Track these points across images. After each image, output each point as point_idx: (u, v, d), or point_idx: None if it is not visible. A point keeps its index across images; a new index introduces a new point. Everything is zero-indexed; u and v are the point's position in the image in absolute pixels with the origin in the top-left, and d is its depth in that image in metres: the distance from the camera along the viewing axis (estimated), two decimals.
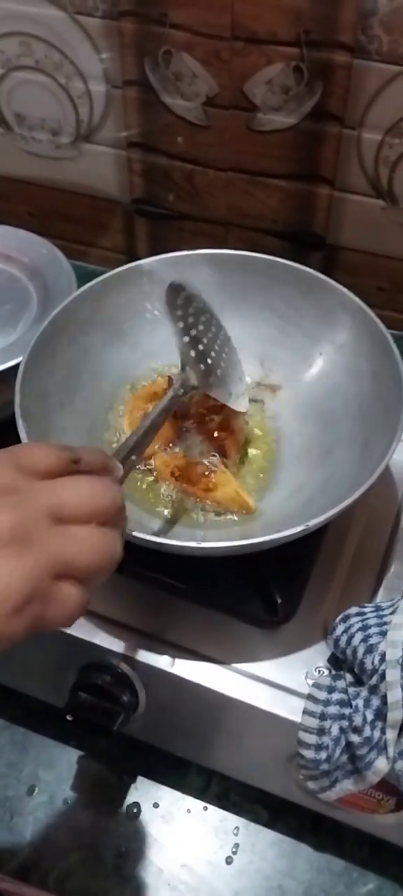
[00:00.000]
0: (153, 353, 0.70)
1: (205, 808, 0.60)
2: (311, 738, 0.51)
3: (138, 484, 0.62)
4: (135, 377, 0.69)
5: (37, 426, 0.58)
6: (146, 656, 0.55)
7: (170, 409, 0.56)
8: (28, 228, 0.98)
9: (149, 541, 0.51)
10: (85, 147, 0.92)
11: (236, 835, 0.59)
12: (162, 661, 0.55)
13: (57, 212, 0.99)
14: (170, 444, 0.63)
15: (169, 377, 0.66)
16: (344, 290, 0.65)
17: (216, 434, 0.63)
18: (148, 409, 0.63)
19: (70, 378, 0.65)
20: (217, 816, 0.60)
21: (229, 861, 0.58)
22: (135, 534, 0.51)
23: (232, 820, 0.60)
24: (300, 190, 0.84)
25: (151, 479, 0.62)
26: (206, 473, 0.61)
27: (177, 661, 0.55)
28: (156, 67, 0.82)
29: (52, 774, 0.63)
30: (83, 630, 0.57)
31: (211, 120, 0.83)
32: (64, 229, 1.00)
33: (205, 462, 0.62)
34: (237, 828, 0.59)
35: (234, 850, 0.59)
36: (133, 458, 0.50)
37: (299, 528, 0.51)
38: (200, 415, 0.64)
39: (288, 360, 0.68)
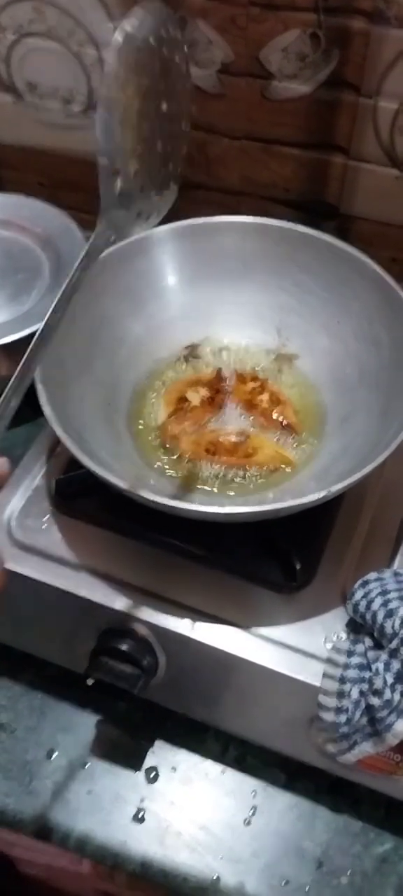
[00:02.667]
0: (171, 322, 0.70)
1: (223, 772, 0.61)
2: (331, 702, 0.52)
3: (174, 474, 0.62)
4: (152, 348, 0.69)
5: (55, 393, 0.58)
6: (166, 620, 0.56)
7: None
8: (39, 198, 0.98)
9: (167, 505, 0.52)
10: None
11: (254, 797, 0.60)
12: (182, 626, 0.56)
13: (68, 181, 0.99)
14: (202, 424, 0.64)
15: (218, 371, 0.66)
16: (363, 256, 0.65)
17: (275, 415, 0.64)
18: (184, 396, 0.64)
19: (88, 346, 0.65)
20: (235, 779, 0.61)
21: (247, 823, 0.59)
22: (153, 498, 0.51)
23: (250, 783, 0.60)
24: (314, 159, 0.84)
25: (186, 463, 0.62)
26: (242, 441, 0.62)
27: (197, 624, 0.56)
28: None
29: (70, 738, 0.64)
30: (103, 595, 0.57)
31: (226, 88, 0.83)
32: (75, 199, 0.99)
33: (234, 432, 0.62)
34: (255, 791, 0.60)
35: (252, 812, 0.59)
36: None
37: (321, 494, 0.51)
38: (246, 401, 0.65)
39: (305, 329, 0.68)
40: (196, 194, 0.92)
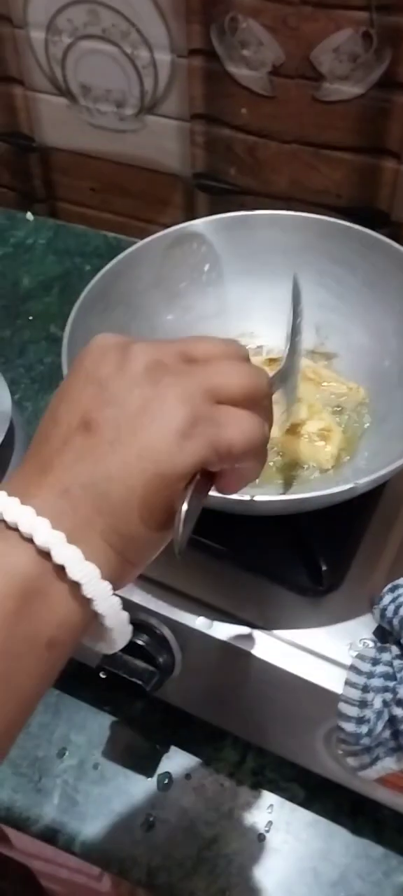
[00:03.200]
0: (206, 316, 0.68)
1: (239, 783, 0.58)
2: (352, 711, 0.48)
3: None
4: None
5: None
6: (183, 617, 0.54)
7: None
8: (89, 205, 0.98)
9: None
10: (148, 119, 0.91)
11: (270, 812, 0.56)
12: (199, 623, 0.53)
13: (118, 187, 0.99)
14: None
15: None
16: None
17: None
18: None
19: (122, 335, 0.64)
20: (251, 793, 0.57)
21: (262, 838, 0.55)
22: None
23: (267, 797, 0.57)
24: (365, 163, 0.82)
25: None
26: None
27: (216, 623, 0.53)
28: (222, 35, 0.81)
29: (83, 738, 0.61)
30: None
31: (276, 90, 0.81)
32: (124, 205, 1.00)
33: None
34: (271, 805, 0.57)
35: (267, 828, 0.56)
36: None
37: (347, 486, 0.48)
38: None
39: (344, 327, 0.65)
40: (244, 199, 0.91)
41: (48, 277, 1.00)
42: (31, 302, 0.97)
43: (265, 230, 0.67)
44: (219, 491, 0.39)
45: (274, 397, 0.42)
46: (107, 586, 0.34)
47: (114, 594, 0.35)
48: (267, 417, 0.39)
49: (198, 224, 0.67)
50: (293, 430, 0.59)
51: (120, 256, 0.64)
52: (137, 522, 0.34)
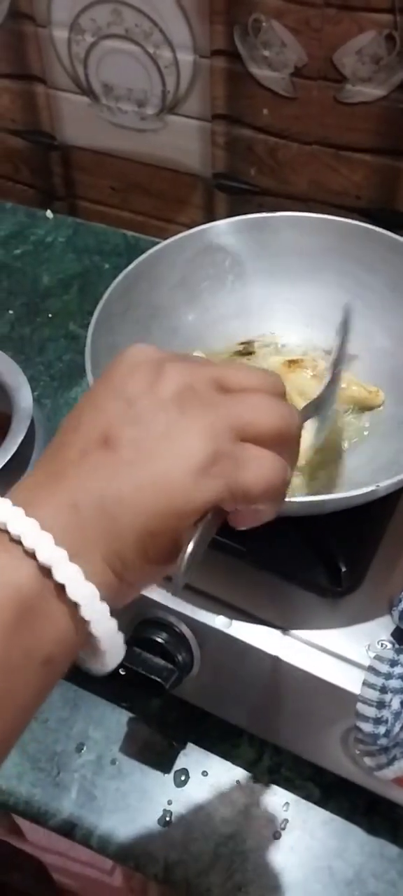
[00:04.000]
0: (227, 316, 0.68)
1: (256, 781, 0.58)
2: (370, 711, 0.49)
3: None
4: (206, 341, 0.67)
5: None
6: (203, 615, 0.54)
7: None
8: (109, 203, 0.98)
9: None
10: (169, 119, 0.91)
11: (286, 811, 0.57)
12: (218, 622, 0.53)
13: (138, 186, 0.99)
14: None
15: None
16: None
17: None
18: None
19: (141, 334, 0.64)
20: (267, 790, 0.58)
21: (277, 836, 0.56)
22: None
23: (283, 795, 0.57)
24: (386, 165, 0.82)
25: None
26: None
27: (235, 622, 0.53)
28: (245, 36, 0.81)
29: (101, 734, 0.62)
30: None
31: (298, 91, 0.82)
32: (144, 204, 1.00)
33: None
34: (287, 803, 0.57)
35: (283, 825, 0.56)
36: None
37: (369, 489, 0.48)
38: None
39: (364, 330, 0.65)
40: (264, 200, 0.91)
41: (67, 276, 1.00)
42: (51, 300, 0.98)
43: (286, 231, 0.68)
44: (230, 523, 0.38)
45: (307, 424, 0.41)
46: (104, 608, 0.33)
47: (111, 617, 0.34)
48: (292, 460, 0.38)
49: (220, 225, 0.68)
50: None
51: (142, 257, 0.64)
52: (141, 551, 0.34)
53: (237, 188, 0.92)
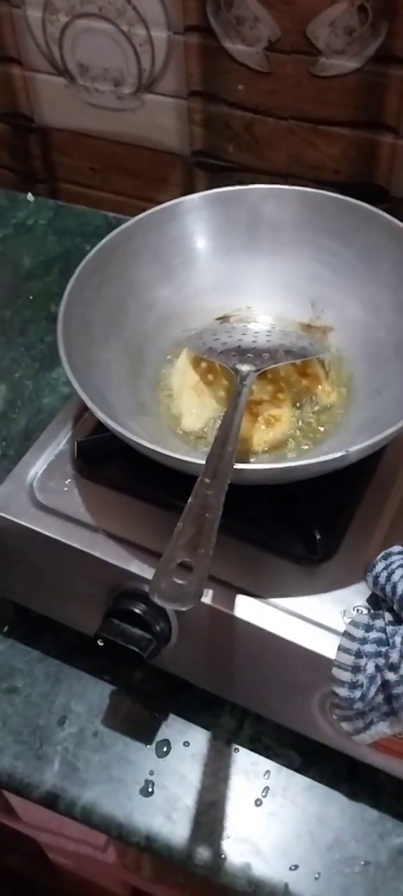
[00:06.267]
0: (202, 291, 0.68)
1: (237, 750, 0.59)
2: (346, 676, 0.49)
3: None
4: (182, 316, 0.68)
5: (80, 357, 0.57)
6: None
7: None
8: (89, 184, 0.98)
9: (181, 460, 0.50)
10: (146, 98, 0.91)
11: (267, 778, 0.57)
12: None
13: (118, 166, 0.99)
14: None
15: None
16: (401, 224, 0.62)
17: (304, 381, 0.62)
18: (201, 385, 0.62)
19: (115, 311, 0.64)
20: (248, 759, 0.58)
21: (258, 803, 0.56)
22: (167, 453, 0.50)
23: (264, 763, 0.58)
24: (363, 139, 0.82)
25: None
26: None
27: (211, 591, 0.54)
28: (217, 11, 0.81)
29: (83, 707, 0.62)
30: (118, 557, 0.56)
31: (273, 66, 0.82)
32: (124, 184, 1.00)
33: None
34: (268, 771, 0.57)
35: (264, 793, 0.57)
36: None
37: (339, 454, 0.49)
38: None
39: (339, 301, 0.66)
40: (243, 176, 0.91)
41: (48, 257, 1.00)
42: (32, 282, 0.98)
43: (260, 204, 0.68)
44: None
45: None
46: None
47: None
48: None
49: (194, 199, 0.68)
50: (250, 407, 0.59)
51: (115, 231, 0.65)
52: None
53: (216, 165, 0.92)
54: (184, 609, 0.40)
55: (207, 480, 0.46)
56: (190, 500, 0.46)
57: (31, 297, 0.96)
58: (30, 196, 1.07)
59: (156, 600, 0.41)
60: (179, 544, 0.43)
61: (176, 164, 0.95)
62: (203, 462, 0.49)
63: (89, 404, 0.54)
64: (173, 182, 0.97)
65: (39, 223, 1.05)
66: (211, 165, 0.93)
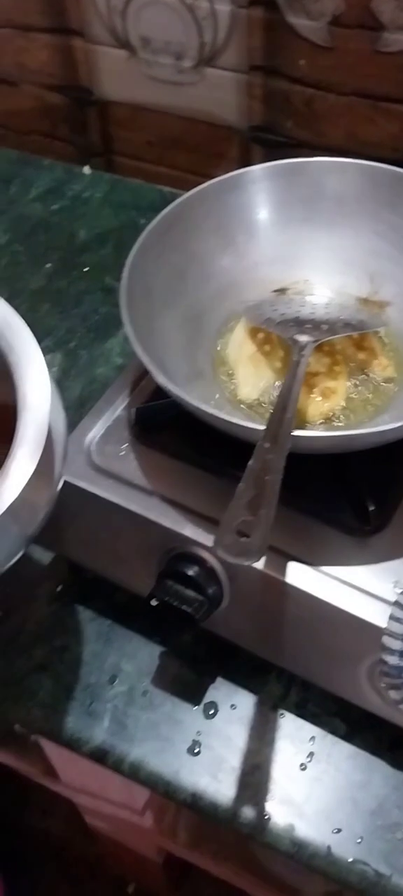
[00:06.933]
0: (261, 263, 0.69)
1: (282, 716, 0.60)
2: (396, 644, 0.50)
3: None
4: (240, 287, 0.68)
5: (141, 323, 0.58)
6: None
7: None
8: (146, 158, 0.99)
9: (239, 425, 0.51)
10: (207, 71, 0.91)
11: (312, 744, 0.58)
12: None
13: (175, 140, 1.00)
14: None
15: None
16: None
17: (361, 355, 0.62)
18: (257, 355, 0.63)
19: (175, 280, 0.65)
20: (294, 724, 0.59)
21: (303, 768, 0.57)
22: (226, 418, 0.51)
23: (309, 729, 0.59)
24: None
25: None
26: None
27: (264, 557, 0.54)
28: None
29: (133, 667, 0.64)
30: (173, 521, 0.57)
31: (336, 40, 0.81)
32: (180, 159, 1.01)
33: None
34: (313, 737, 0.58)
35: (309, 758, 0.57)
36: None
37: (398, 424, 0.49)
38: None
39: (398, 276, 0.66)
40: (300, 152, 0.91)
41: (104, 230, 1.02)
42: (87, 254, 0.99)
43: (321, 177, 0.68)
44: None
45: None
46: None
47: None
48: None
49: (256, 170, 0.68)
50: (306, 378, 0.59)
51: (178, 201, 0.65)
52: None
53: (273, 141, 0.92)
54: (248, 563, 0.41)
55: (267, 445, 0.47)
56: (250, 462, 0.47)
57: (86, 269, 0.97)
58: (86, 169, 1.09)
59: (222, 555, 0.42)
60: (241, 503, 0.44)
61: (233, 139, 0.95)
62: (263, 428, 0.49)
63: (151, 368, 0.55)
64: (230, 157, 0.97)
65: (95, 196, 1.07)
66: (268, 141, 0.93)
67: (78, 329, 0.90)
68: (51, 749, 0.97)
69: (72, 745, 0.61)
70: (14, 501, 0.44)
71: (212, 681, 0.62)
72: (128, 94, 0.99)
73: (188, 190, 0.83)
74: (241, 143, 0.95)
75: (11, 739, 1.10)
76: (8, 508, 0.44)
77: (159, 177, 1.05)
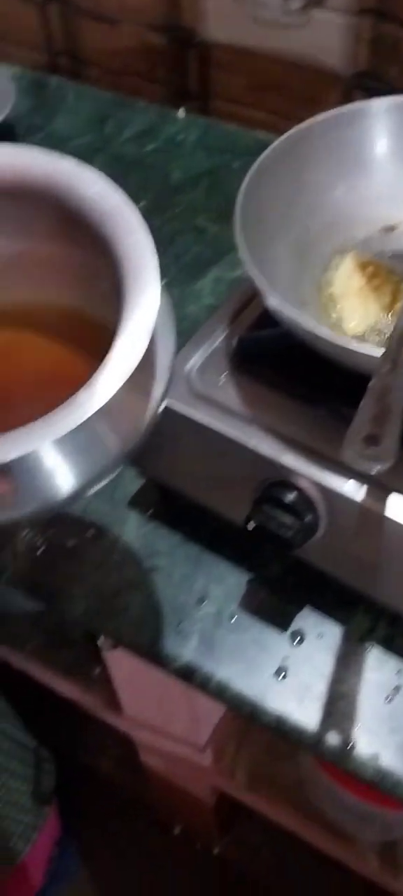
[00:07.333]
0: (373, 198, 0.68)
1: (370, 648, 0.60)
2: None
3: None
4: (350, 220, 0.68)
5: (254, 250, 0.59)
6: (333, 480, 0.56)
7: None
8: (243, 102, 0.99)
9: (345, 349, 0.51)
10: (314, 14, 0.91)
11: (399, 677, 0.59)
12: (348, 487, 0.55)
13: (274, 85, 1.00)
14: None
15: None
16: None
17: None
18: (366, 289, 0.63)
19: (286, 209, 0.65)
20: (381, 656, 0.60)
21: (388, 700, 0.58)
22: (335, 340, 0.51)
23: (396, 663, 0.59)
24: None
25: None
26: None
27: (363, 488, 0.55)
28: None
29: (221, 590, 0.65)
30: (272, 448, 0.58)
31: None
32: (277, 104, 1.00)
33: None
34: (400, 670, 0.59)
35: (395, 691, 0.58)
36: None
37: None
38: None
39: None
40: None
41: (197, 173, 1.02)
42: (180, 195, 1.00)
43: None
44: None
45: None
46: None
47: None
48: None
49: (376, 103, 0.68)
50: None
51: (294, 129, 0.65)
52: None
53: (375, 89, 0.91)
54: (379, 468, 0.41)
55: (386, 369, 0.47)
56: (371, 383, 0.47)
57: (178, 210, 0.98)
58: (181, 112, 1.09)
59: (351, 462, 0.42)
60: (366, 417, 0.44)
61: (335, 85, 0.95)
62: (380, 354, 0.50)
63: (265, 290, 0.55)
64: (329, 104, 0.95)
65: (189, 139, 1.07)
66: (371, 88, 0.92)
67: (170, 267, 0.91)
68: (120, 679, 0.99)
69: (161, 661, 0.63)
70: (112, 405, 0.44)
71: (299, 610, 0.63)
72: (232, 36, 0.99)
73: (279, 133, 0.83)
74: (343, 89, 0.94)
75: (78, 668, 1.13)
76: (106, 410, 0.44)
77: (254, 122, 1.05)
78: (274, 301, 0.55)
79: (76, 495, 0.46)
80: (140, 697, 1.02)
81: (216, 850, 1.27)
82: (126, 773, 1.31)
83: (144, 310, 0.48)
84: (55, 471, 0.45)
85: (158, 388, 0.50)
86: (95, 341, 0.50)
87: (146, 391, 0.49)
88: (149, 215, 0.97)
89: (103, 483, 0.49)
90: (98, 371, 0.45)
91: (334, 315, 0.63)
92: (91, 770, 1.34)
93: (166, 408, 0.61)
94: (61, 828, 1.26)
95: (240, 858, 1.26)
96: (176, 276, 0.90)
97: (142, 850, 1.30)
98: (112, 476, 0.50)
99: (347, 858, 1.03)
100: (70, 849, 1.29)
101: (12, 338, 0.58)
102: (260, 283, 0.55)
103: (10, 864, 1.10)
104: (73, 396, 0.44)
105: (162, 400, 0.51)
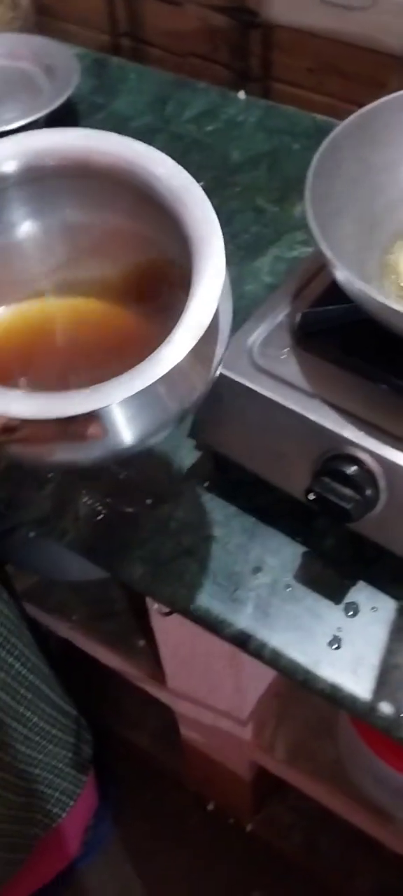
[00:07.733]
0: None
1: None
2: None
3: None
4: None
5: (321, 224, 0.60)
6: (395, 455, 0.57)
7: None
8: (304, 86, 0.99)
9: None
10: None
11: None
12: None
13: (336, 68, 1.00)
14: None
15: None
16: None
17: None
18: None
19: (352, 188, 0.66)
20: None
21: None
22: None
23: None
24: None
25: None
26: None
27: None
28: None
29: (276, 561, 0.66)
30: (333, 422, 0.59)
31: None
32: (338, 87, 1.00)
33: None
34: None
35: None
36: None
37: None
38: None
39: None
40: None
41: (257, 153, 1.03)
42: (239, 175, 1.00)
43: None
44: None
45: None
46: None
47: None
48: None
49: None
50: None
51: (362, 109, 0.66)
52: None
53: None
54: None
55: None
56: None
57: (237, 190, 0.98)
58: (241, 94, 1.10)
59: None
60: None
61: (397, 69, 0.95)
62: None
63: (336, 263, 0.56)
64: (391, 88, 0.95)
65: (249, 120, 1.08)
66: None
67: (229, 245, 0.91)
68: (167, 649, 1.01)
69: (216, 627, 0.64)
70: (174, 371, 0.47)
71: (354, 583, 0.64)
72: (296, 17, 0.99)
73: (343, 119, 0.83)
74: None
75: (122, 640, 1.15)
76: (169, 376, 0.47)
77: (314, 105, 1.05)
78: (343, 274, 0.56)
79: (137, 446, 0.49)
80: (185, 668, 1.04)
81: (249, 827, 1.28)
82: (163, 747, 1.32)
83: (211, 280, 0.50)
84: (126, 423, 0.47)
85: (217, 355, 0.52)
86: (161, 310, 0.52)
87: (206, 357, 0.51)
88: (208, 195, 0.99)
89: (161, 437, 0.51)
90: (166, 339, 0.48)
91: (398, 293, 0.64)
92: (128, 743, 1.36)
93: (229, 380, 0.63)
94: (98, 798, 1.28)
95: (272, 836, 1.27)
96: (234, 254, 0.91)
97: (177, 825, 1.32)
98: (169, 431, 0.52)
99: (384, 837, 1.04)
100: (105, 819, 1.31)
101: (85, 305, 0.60)
102: (331, 256, 0.56)
103: (47, 827, 1.13)
104: (144, 361, 0.47)
105: (218, 365, 0.52)
